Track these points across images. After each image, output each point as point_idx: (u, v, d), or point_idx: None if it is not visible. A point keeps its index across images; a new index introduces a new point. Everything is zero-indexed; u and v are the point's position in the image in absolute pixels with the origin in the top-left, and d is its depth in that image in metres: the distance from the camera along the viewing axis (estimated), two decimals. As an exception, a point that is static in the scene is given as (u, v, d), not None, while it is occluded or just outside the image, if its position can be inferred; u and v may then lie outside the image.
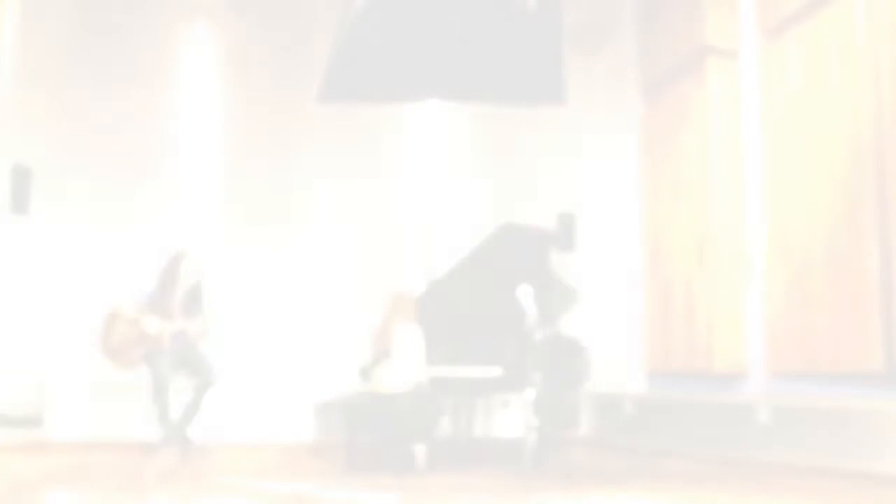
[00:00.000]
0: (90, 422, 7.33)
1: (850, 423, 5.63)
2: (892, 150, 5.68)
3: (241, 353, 7.40)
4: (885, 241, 5.69)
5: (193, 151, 8.23)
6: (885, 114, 5.76)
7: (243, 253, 8.06)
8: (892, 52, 5.73)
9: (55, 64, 7.96)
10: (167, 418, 6.15)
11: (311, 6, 8.49)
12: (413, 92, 8.27)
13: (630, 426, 7.68)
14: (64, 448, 6.94)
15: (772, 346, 6.65)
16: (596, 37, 8.62)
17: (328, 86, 7.92)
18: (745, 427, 6.43)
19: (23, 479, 5.44)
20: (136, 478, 5.38)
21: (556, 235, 7.86)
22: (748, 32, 7.17)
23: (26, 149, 7.60)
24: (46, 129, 7.84)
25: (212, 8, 8.40)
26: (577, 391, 7.57)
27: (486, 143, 8.59)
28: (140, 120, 8.13)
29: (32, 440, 7.10)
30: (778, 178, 6.72)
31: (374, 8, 7.16)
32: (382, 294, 6.35)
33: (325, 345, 8.00)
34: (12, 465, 6.06)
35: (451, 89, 8.13)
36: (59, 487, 5.20)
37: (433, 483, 5.38)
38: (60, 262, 7.74)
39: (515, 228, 6.69)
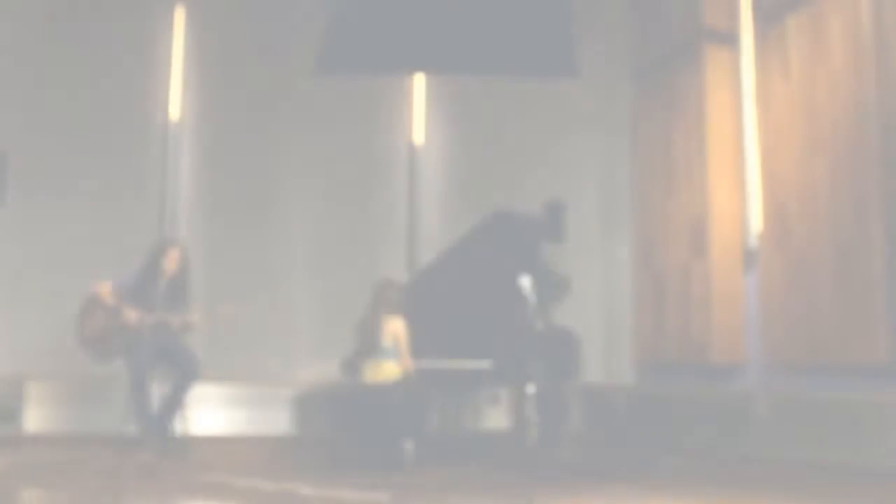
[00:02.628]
0: (68, 416, 7.15)
1: (852, 417, 5.50)
2: (896, 134, 5.55)
3: (224, 345, 7.21)
4: (890, 226, 5.57)
5: (175, 136, 8.04)
6: (888, 97, 5.62)
7: (226, 241, 7.89)
8: (896, 33, 5.60)
9: (31, 49, 7.76)
10: (146, 413, 5.95)
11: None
12: (417, 64, 8.10)
13: (622, 420, 7.52)
14: (40, 443, 6.76)
15: (770, 337, 6.51)
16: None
17: (323, 58, 7.76)
18: (742, 421, 6.29)
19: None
20: (115, 475, 5.21)
21: (547, 223, 7.70)
22: (746, 15, 7.06)
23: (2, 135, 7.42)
24: (23, 114, 7.64)
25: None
26: (570, 384, 7.42)
27: (476, 129, 8.40)
28: (121, 105, 7.92)
29: (8, 435, 6.91)
30: (776, 163, 6.58)
31: None
32: (367, 283, 6.17)
33: (309, 335, 7.83)
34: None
35: (460, 62, 7.98)
36: (35, 484, 5.05)
37: (422, 480, 5.26)
38: (38, 252, 7.56)
39: (505, 216, 6.54)
